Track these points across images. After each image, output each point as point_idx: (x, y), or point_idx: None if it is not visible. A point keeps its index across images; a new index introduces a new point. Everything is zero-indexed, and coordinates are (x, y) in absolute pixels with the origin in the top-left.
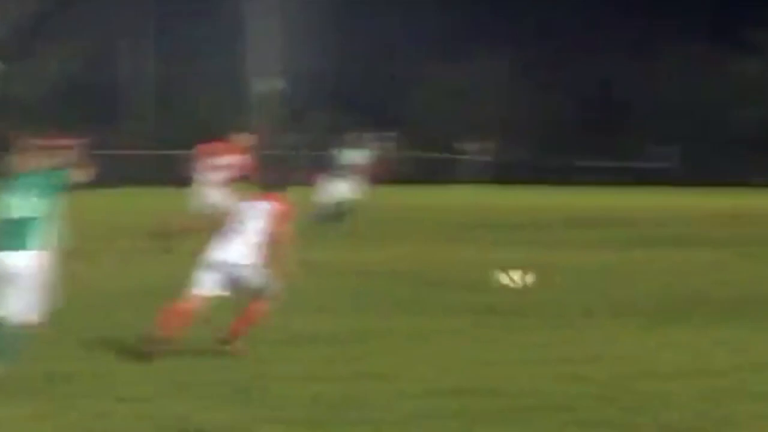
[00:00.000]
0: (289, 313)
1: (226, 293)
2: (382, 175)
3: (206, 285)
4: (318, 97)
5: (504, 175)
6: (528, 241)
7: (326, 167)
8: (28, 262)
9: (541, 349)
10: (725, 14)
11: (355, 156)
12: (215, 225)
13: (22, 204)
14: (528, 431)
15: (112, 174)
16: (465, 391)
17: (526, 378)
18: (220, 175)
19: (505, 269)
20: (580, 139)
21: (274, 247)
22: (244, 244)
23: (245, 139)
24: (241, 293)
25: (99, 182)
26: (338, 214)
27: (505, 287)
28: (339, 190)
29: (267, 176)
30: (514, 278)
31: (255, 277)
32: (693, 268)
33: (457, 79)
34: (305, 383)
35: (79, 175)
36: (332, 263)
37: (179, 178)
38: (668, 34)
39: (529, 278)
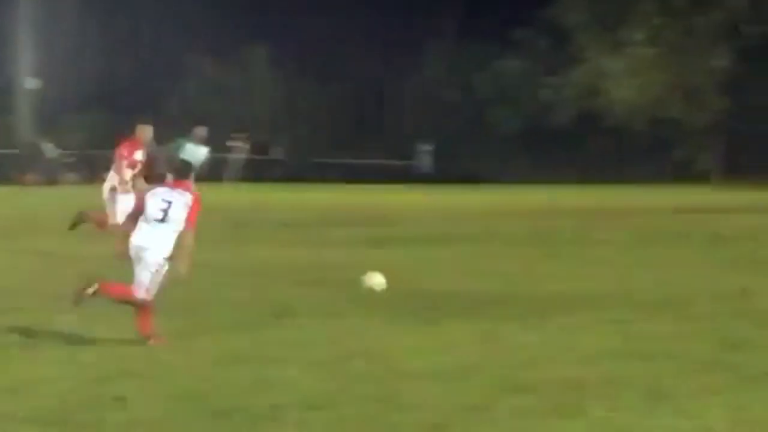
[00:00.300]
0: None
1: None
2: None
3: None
4: (81, 97)
5: (269, 173)
6: (293, 240)
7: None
8: None
9: (300, 347)
10: (489, 13)
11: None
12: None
13: None
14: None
15: None
16: (218, 391)
17: (296, 373)
18: (131, 171)
19: (369, 273)
20: (349, 137)
21: (183, 234)
22: (165, 233)
23: (147, 131)
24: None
25: None
26: None
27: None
28: None
29: (172, 166)
30: (380, 281)
31: (156, 267)
32: (448, 265)
33: (224, 76)
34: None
35: None
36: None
37: None
38: (434, 32)
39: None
